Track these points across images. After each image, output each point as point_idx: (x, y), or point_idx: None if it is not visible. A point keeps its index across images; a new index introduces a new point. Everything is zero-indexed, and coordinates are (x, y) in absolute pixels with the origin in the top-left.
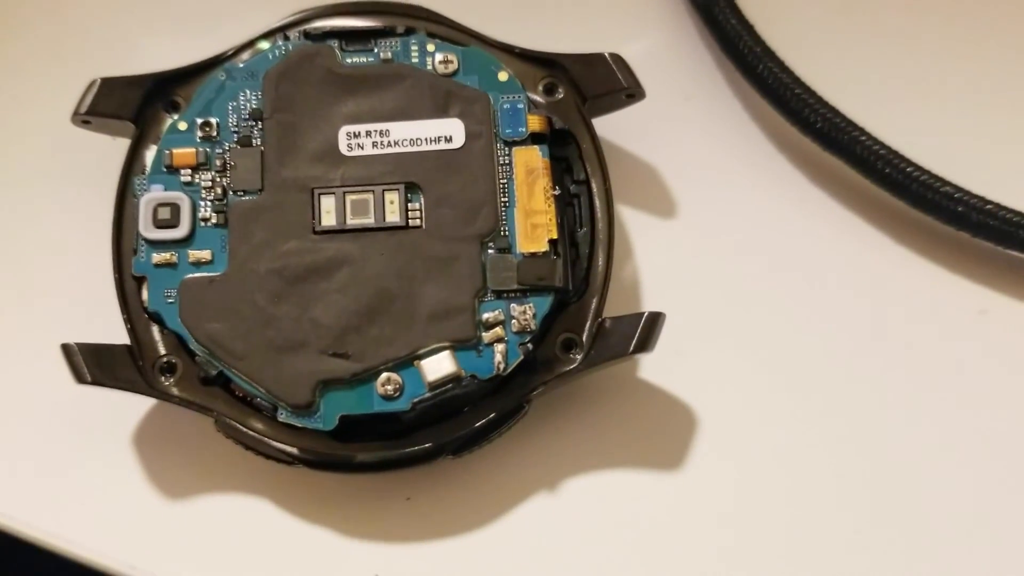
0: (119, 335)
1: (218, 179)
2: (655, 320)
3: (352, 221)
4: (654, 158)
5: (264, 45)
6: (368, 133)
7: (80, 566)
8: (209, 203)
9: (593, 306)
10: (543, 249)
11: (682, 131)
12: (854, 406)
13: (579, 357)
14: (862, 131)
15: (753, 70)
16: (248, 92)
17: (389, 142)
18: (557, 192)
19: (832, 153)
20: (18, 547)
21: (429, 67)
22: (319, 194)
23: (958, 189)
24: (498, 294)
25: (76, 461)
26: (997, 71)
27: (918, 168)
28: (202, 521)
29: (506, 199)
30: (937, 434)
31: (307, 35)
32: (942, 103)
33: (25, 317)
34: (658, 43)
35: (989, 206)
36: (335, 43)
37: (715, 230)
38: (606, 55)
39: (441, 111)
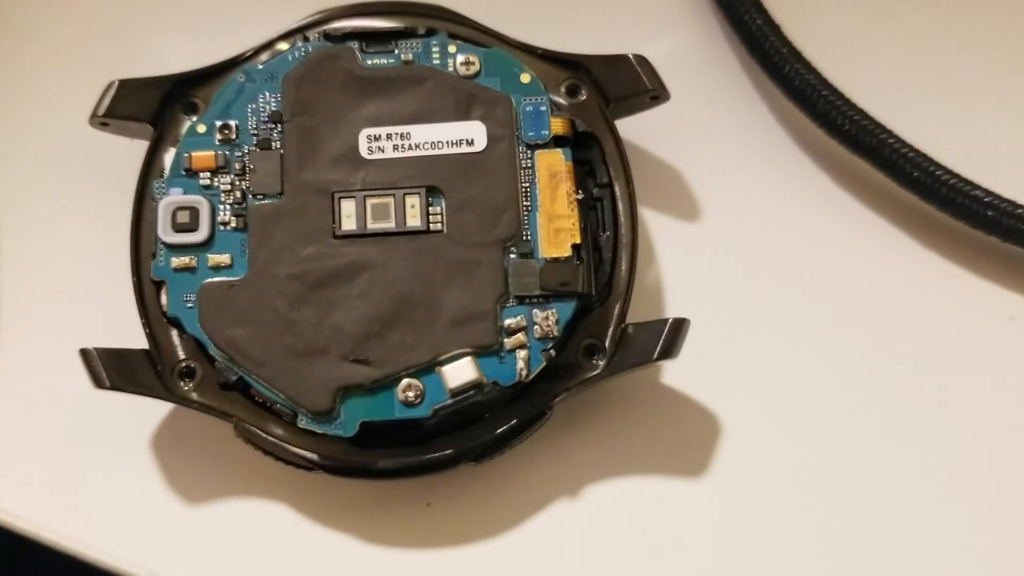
0: (138, 340)
1: (237, 182)
2: (680, 326)
3: (373, 225)
4: (678, 161)
5: (283, 46)
6: (389, 136)
7: (100, 571)
8: (228, 207)
9: (616, 311)
10: (566, 254)
11: (707, 134)
12: (881, 413)
13: (602, 363)
14: (890, 133)
15: (779, 71)
16: (267, 94)
17: (410, 145)
18: (580, 196)
19: (859, 156)
20: (38, 551)
21: (450, 69)
22: (339, 198)
23: (988, 193)
24: (520, 300)
25: (96, 466)
26: None
27: (947, 171)
28: (221, 526)
29: (528, 203)
30: (966, 443)
31: (327, 36)
32: (972, 105)
33: (44, 322)
34: (682, 44)
35: (1020, 210)
36: (355, 44)
37: (740, 234)
38: (630, 56)
39: (463, 114)
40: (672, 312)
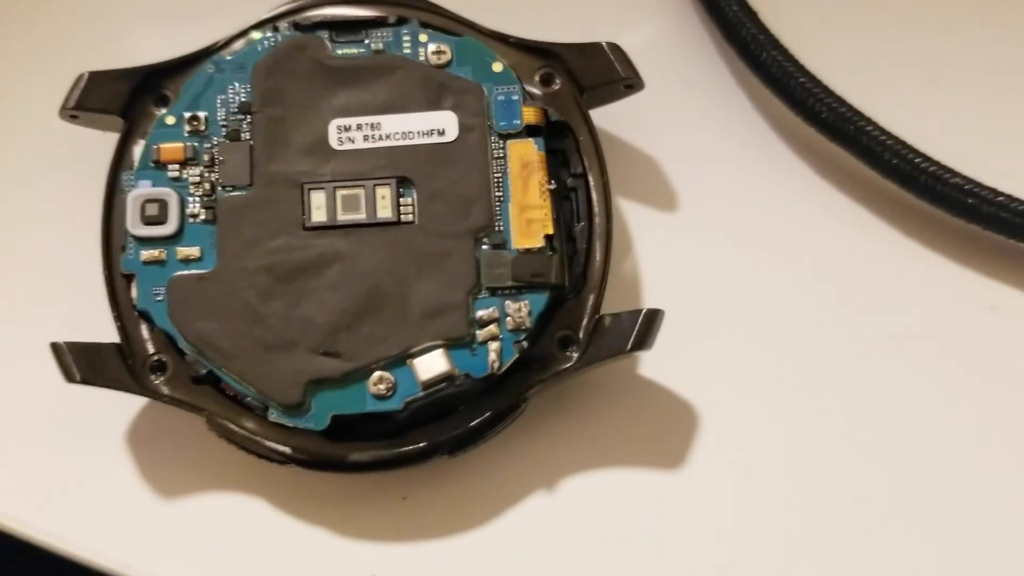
0: (110, 334)
1: (206, 174)
2: (653, 317)
3: (343, 217)
4: (654, 150)
5: (256, 36)
6: (359, 126)
7: (74, 565)
8: (197, 199)
9: (591, 303)
10: (538, 245)
11: (683, 122)
12: (858, 403)
13: (576, 355)
14: (868, 121)
15: (756, 58)
16: (237, 85)
17: (380, 135)
18: (553, 186)
19: (838, 144)
20: (10, 546)
21: (422, 58)
22: (309, 189)
23: (968, 180)
24: (492, 291)
25: (68, 460)
26: (1009, 58)
27: (926, 159)
28: (196, 520)
29: (500, 194)
30: (945, 432)
31: (297, 26)
32: (952, 92)
33: (14, 315)
34: (658, 31)
35: (1000, 198)
36: (325, 34)
37: (717, 223)
38: (603, 44)
39: (434, 103)
40: (648, 302)
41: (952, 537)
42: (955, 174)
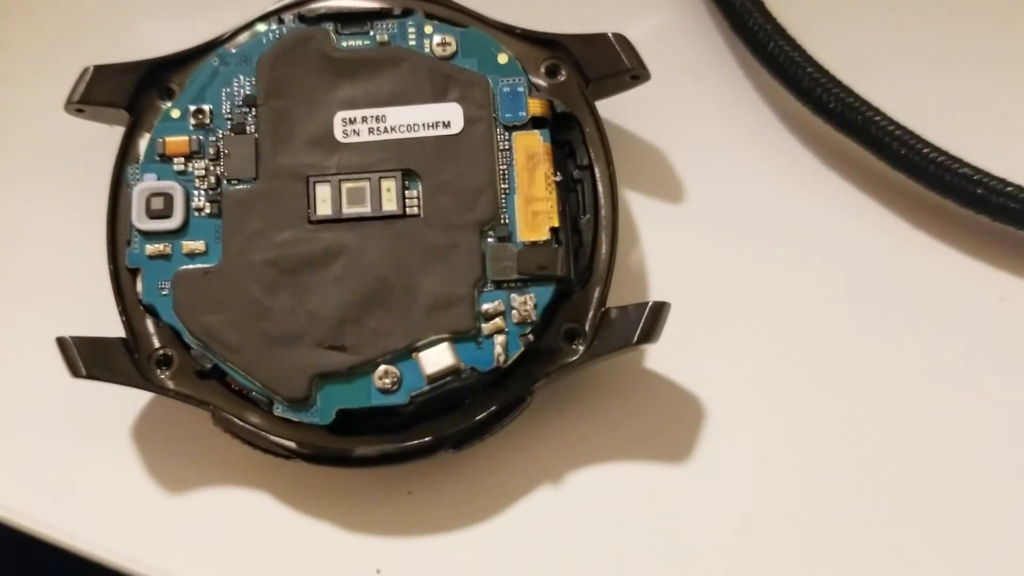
0: (115, 328)
1: (212, 168)
2: (660, 310)
3: (348, 210)
4: (660, 141)
5: (261, 28)
6: (364, 119)
7: (80, 559)
8: (203, 192)
9: (596, 295)
10: (544, 237)
11: (690, 113)
12: (867, 396)
13: (582, 348)
14: (877, 111)
15: (763, 48)
16: (242, 78)
17: (386, 128)
18: (559, 178)
19: (846, 134)
20: (17, 540)
21: (427, 50)
22: (314, 182)
23: (977, 171)
24: (498, 284)
25: (74, 455)
26: (1019, 47)
27: (935, 149)
28: (202, 514)
29: (506, 186)
30: (954, 424)
31: (302, 18)
32: (960, 82)
33: (20, 310)
34: (664, 21)
35: (1010, 188)
36: (330, 26)
37: (724, 215)
38: (609, 35)
39: (439, 95)
40: (655, 295)
41: (965, 528)
42: (964, 164)
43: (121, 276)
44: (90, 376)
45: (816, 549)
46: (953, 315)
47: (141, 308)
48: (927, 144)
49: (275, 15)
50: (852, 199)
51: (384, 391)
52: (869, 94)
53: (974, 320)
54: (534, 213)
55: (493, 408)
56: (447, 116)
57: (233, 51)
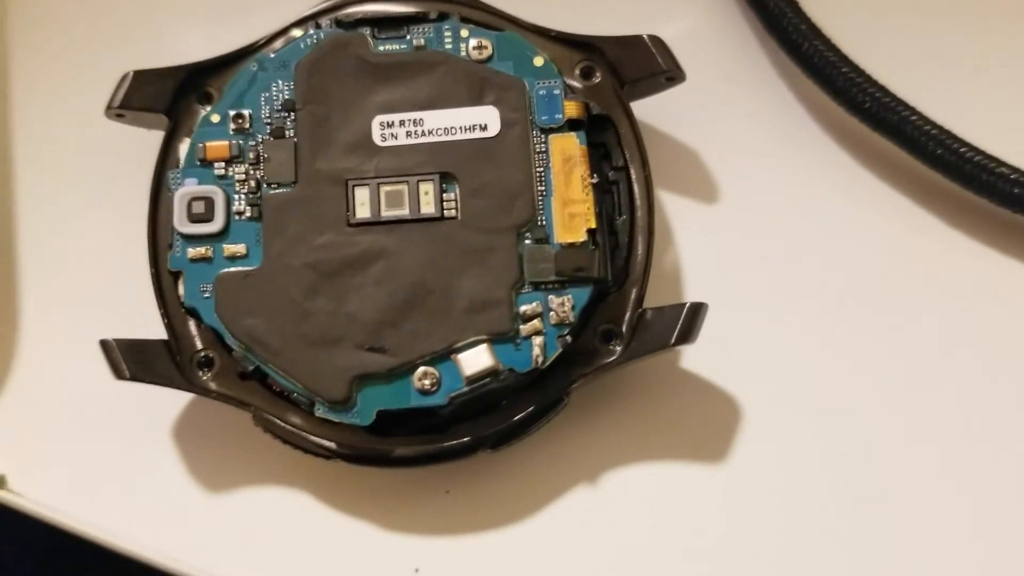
0: (157, 330)
1: (252, 172)
2: (697, 311)
3: (387, 213)
4: (695, 142)
5: (297, 33)
6: (402, 123)
7: (121, 558)
8: (243, 196)
9: (633, 296)
10: (581, 239)
11: (724, 114)
12: (908, 400)
13: (619, 349)
14: (912, 110)
15: (798, 49)
16: (280, 83)
17: (423, 131)
18: (595, 180)
19: (882, 134)
20: (60, 538)
21: (463, 53)
22: (353, 186)
23: (1015, 170)
24: (536, 286)
25: (117, 456)
26: None
27: (972, 148)
28: (241, 514)
29: (543, 188)
30: (999, 431)
31: (339, 23)
32: (997, 80)
33: (64, 313)
34: (698, 23)
35: None
36: (367, 30)
37: (759, 216)
38: (644, 37)
39: (476, 99)
40: (690, 296)
41: (1001, 538)
42: (1001, 163)
43: (163, 279)
44: (133, 378)
45: (857, 556)
46: (992, 317)
47: (183, 311)
48: (964, 143)
49: (311, 20)
50: (888, 199)
51: (423, 392)
52: (905, 93)
53: (1014, 321)
54: (571, 215)
55: (531, 409)
56: (484, 119)
57: (271, 56)
